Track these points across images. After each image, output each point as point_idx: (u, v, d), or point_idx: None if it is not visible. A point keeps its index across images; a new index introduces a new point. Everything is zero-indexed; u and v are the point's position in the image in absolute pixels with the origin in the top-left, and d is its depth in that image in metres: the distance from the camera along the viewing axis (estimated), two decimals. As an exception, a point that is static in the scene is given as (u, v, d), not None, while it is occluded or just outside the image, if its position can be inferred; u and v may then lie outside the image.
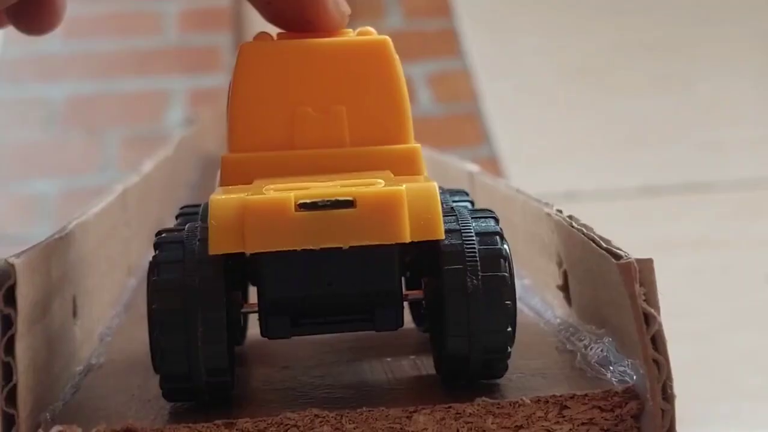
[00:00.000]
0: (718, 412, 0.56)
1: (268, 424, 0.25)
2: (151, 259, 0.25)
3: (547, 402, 0.26)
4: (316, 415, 0.26)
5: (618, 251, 0.27)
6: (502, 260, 0.24)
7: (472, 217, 0.25)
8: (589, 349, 0.30)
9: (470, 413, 0.26)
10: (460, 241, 0.24)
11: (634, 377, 0.26)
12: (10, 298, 0.25)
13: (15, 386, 0.25)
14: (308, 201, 0.23)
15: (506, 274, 0.24)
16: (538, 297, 0.36)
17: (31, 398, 0.26)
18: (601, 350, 0.29)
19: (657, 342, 0.26)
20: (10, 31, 0.33)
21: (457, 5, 1.32)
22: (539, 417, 0.26)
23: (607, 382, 0.27)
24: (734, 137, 1.09)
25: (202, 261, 0.23)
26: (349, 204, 0.23)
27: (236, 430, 0.25)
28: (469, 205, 0.27)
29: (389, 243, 0.23)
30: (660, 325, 0.26)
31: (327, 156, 0.26)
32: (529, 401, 0.26)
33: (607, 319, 0.29)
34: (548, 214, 0.33)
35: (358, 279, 0.24)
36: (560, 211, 0.33)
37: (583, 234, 0.29)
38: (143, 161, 0.54)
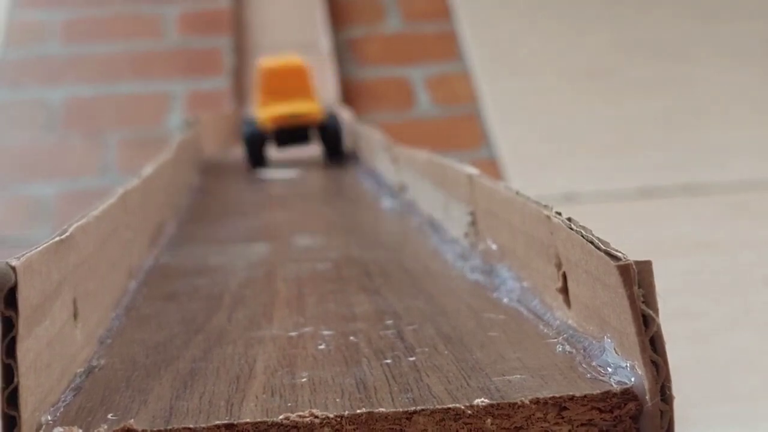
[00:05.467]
0: (716, 412, 0.56)
1: (268, 425, 0.26)
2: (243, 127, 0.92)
3: (546, 403, 0.26)
4: (316, 417, 0.26)
5: (617, 253, 0.27)
6: (339, 126, 0.90)
7: (334, 114, 0.92)
8: (588, 350, 0.30)
9: (469, 414, 0.26)
10: (328, 121, 0.91)
11: (633, 378, 0.26)
12: (11, 301, 0.25)
13: (16, 388, 0.25)
14: (289, 114, 0.90)
15: (340, 130, 0.91)
16: (537, 299, 0.36)
17: (32, 400, 0.26)
18: (600, 352, 0.29)
19: (656, 343, 0.26)
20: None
21: (456, 8, 1.32)
22: (538, 418, 0.26)
23: (606, 384, 0.27)
24: (733, 139, 1.09)
25: (256, 127, 0.90)
26: (303, 115, 0.90)
27: (237, 431, 0.25)
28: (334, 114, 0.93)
29: (311, 124, 0.91)
30: (659, 326, 0.26)
31: (290, 101, 0.90)
32: (528, 402, 0.26)
33: (605, 320, 0.29)
34: (547, 217, 0.34)
35: (304, 133, 0.91)
36: (559, 213, 0.33)
37: (582, 236, 0.30)
38: (143, 164, 0.54)
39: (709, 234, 0.88)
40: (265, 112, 0.88)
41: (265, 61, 0.91)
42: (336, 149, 0.89)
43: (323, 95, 1.04)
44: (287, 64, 0.89)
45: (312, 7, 1.33)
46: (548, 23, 1.30)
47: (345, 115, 0.99)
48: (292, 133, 0.88)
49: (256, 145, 0.87)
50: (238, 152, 1.02)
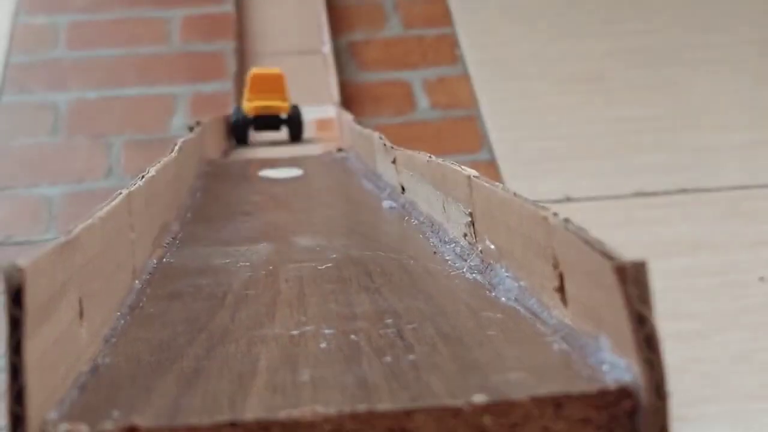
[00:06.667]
0: (711, 410, 0.57)
1: (270, 422, 0.26)
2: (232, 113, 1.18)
3: (544, 401, 0.27)
4: (317, 414, 0.26)
5: (613, 253, 0.27)
6: (300, 116, 1.17)
7: (295, 108, 1.17)
8: (584, 348, 0.30)
9: (468, 412, 0.26)
10: (292, 113, 1.17)
11: (629, 376, 0.27)
12: (18, 301, 0.26)
13: (23, 386, 0.25)
14: (264, 106, 1.16)
15: (301, 119, 1.17)
16: (534, 298, 0.36)
17: (38, 397, 0.26)
18: (596, 350, 0.29)
19: (651, 342, 0.26)
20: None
21: (454, 13, 1.32)
22: (536, 415, 0.27)
23: (602, 382, 0.27)
24: (727, 142, 1.09)
25: (243, 114, 1.17)
26: (277, 108, 1.16)
27: (239, 428, 0.26)
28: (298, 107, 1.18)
29: (281, 114, 1.17)
30: (654, 325, 0.26)
31: (267, 98, 1.16)
32: (525, 400, 0.27)
33: (602, 319, 0.29)
34: (544, 218, 0.34)
35: (276, 122, 1.17)
36: (556, 215, 0.33)
37: (579, 237, 0.30)
38: (148, 167, 0.55)
39: (706, 235, 0.88)
40: (249, 105, 1.15)
41: (255, 69, 1.19)
42: (297, 133, 1.17)
43: (324, 98, 1.21)
44: (270, 71, 1.18)
45: (313, 12, 1.34)
46: (546, 28, 1.30)
47: (346, 117, 1.08)
48: (266, 120, 1.16)
49: (241, 127, 1.16)
50: (240, 153, 1.09)
